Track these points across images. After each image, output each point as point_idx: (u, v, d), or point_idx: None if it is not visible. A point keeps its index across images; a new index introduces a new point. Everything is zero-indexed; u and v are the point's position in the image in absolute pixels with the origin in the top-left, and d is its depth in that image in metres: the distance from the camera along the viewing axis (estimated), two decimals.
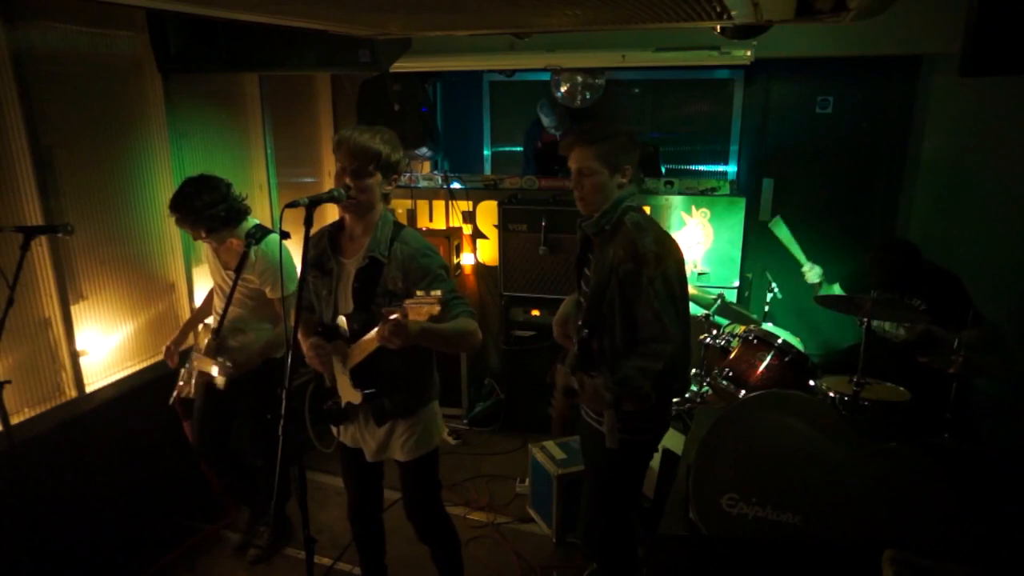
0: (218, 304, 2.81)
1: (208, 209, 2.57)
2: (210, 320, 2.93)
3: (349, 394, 2.17)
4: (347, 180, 2.05)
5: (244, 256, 2.66)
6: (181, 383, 2.87)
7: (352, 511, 2.48)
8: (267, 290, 2.75)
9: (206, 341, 2.79)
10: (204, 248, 2.86)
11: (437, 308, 1.77)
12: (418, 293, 1.82)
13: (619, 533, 2.40)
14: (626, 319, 2.10)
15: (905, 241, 3.30)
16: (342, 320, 2.10)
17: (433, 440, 2.31)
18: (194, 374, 2.81)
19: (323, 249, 2.20)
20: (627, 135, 2.18)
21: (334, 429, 2.33)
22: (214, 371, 2.64)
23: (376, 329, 1.91)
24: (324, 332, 2.19)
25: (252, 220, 2.77)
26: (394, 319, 1.82)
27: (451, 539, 2.51)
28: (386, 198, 2.17)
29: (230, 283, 2.72)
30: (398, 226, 2.17)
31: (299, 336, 2.21)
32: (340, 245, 2.20)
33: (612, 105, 5.08)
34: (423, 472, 2.33)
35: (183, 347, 2.93)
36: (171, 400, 2.90)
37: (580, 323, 2.21)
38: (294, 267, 2.79)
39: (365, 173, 2.05)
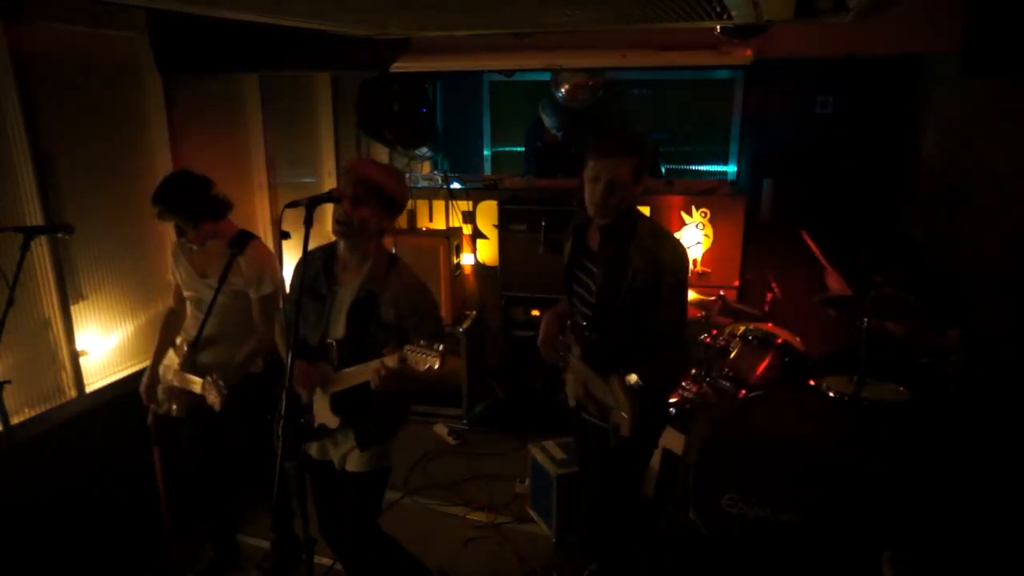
0: (191, 318, 2.71)
1: (194, 199, 2.54)
2: (178, 339, 2.79)
3: (325, 416, 2.17)
4: (345, 206, 2.03)
5: (229, 265, 2.59)
6: (162, 397, 2.74)
7: (323, 524, 2.41)
8: (251, 290, 2.65)
9: (181, 357, 2.67)
10: (174, 263, 2.73)
11: (437, 364, 1.77)
12: (421, 343, 1.82)
13: (621, 532, 2.40)
14: (636, 323, 2.12)
15: (906, 233, 3.32)
16: (332, 344, 2.12)
17: (388, 458, 2.30)
18: (175, 392, 2.67)
19: (316, 273, 2.20)
20: (650, 143, 2.20)
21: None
22: (199, 390, 2.50)
23: (372, 367, 1.93)
24: (308, 353, 2.18)
25: (234, 225, 2.70)
26: (391, 365, 1.85)
27: (392, 556, 2.42)
28: (383, 233, 2.18)
29: (208, 293, 2.62)
30: (392, 258, 2.20)
31: (281, 352, 2.28)
32: (334, 273, 2.21)
33: (612, 105, 5.08)
34: (370, 487, 2.30)
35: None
36: (149, 420, 2.77)
37: (585, 325, 2.20)
38: (276, 267, 2.72)
39: (365, 203, 2.05)
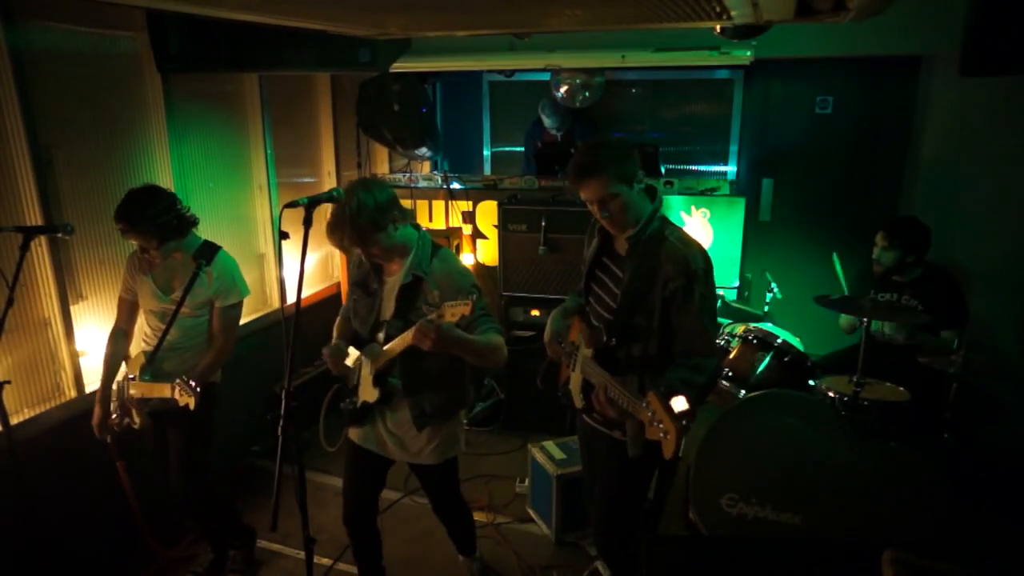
0: (149, 330, 2.68)
1: (160, 217, 2.48)
2: (133, 354, 2.74)
3: (367, 393, 2.28)
4: (364, 257, 2.23)
5: (194, 277, 2.55)
6: (114, 416, 2.65)
7: (348, 512, 2.51)
8: (217, 301, 2.63)
9: (139, 366, 2.61)
10: (129, 275, 2.69)
11: (468, 308, 1.93)
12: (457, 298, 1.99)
13: (632, 533, 2.40)
14: (664, 330, 2.10)
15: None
16: (382, 324, 2.24)
17: (460, 443, 2.45)
18: (134, 404, 2.62)
19: (367, 271, 2.34)
20: (621, 144, 2.15)
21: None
22: (169, 394, 2.45)
23: (411, 329, 2.05)
24: (359, 343, 2.33)
25: (198, 237, 2.68)
26: (428, 319, 1.97)
27: (468, 516, 2.75)
28: (404, 218, 2.24)
29: (171, 306, 2.59)
30: (435, 246, 2.31)
31: (335, 331, 2.46)
32: (382, 266, 2.32)
33: (612, 105, 5.08)
34: (449, 474, 2.50)
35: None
36: (108, 438, 2.69)
37: (603, 329, 2.17)
38: (242, 278, 2.73)
39: (374, 241, 2.15)
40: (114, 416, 2.67)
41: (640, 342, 2.14)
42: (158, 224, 2.49)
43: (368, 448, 2.40)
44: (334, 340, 2.43)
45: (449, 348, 2.06)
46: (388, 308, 2.26)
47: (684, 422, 1.80)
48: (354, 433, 2.42)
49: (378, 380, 2.25)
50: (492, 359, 2.24)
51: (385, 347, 2.21)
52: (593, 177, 2.06)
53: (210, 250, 2.63)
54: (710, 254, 2.15)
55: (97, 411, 2.65)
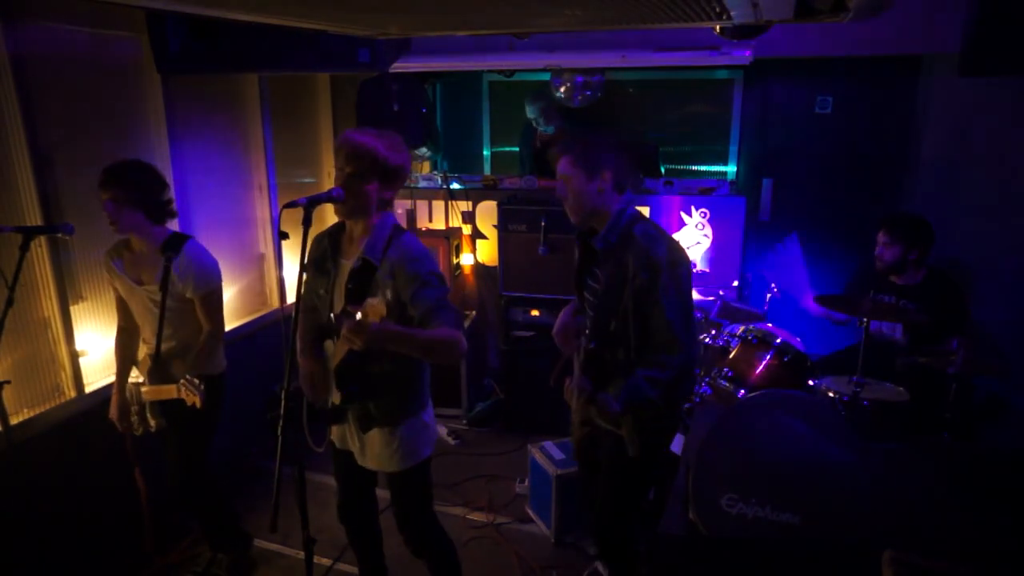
0: (145, 326, 2.63)
1: (148, 184, 2.44)
2: (141, 354, 2.73)
3: (334, 393, 2.18)
4: (342, 184, 2.02)
5: (166, 271, 2.49)
6: (135, 419, 2.66)
7: (341, 510, 2.48)
8: (188, 292, 2.55)
9: (147, 369, 2.59)
10: (109, 276, 2.63)
11: (383, 310, 1.74)
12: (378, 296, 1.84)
13: (631, 532, 2.41)
14: (641, 329, 2.11)
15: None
16: (332, 319, 2.11)
17: (421, 452, 2.30)
18: (148, 408, 2.61)
19: (324, 250, 2.22)
20: (606, 141, 2.17)
21: (330, 429, 2.35)
22: (179, 394, 2.45)
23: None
24: (322, 331, 2.21)
25: (167, 229, 2.60)
26: (354, 319, 1.77)
27: (445, 554, 2.47)
28: (387, 203, 2.14)
29: (148, 299, 2.54)
30: (398, 230, 2.13)
31: (297, 343, 2.23)
32: (340, 246, 2.19)
33: (612, 105, 5.08)
34: (410, 485, 2.32)
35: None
36: (127, 436, 2.70)
37: (587, 335, 2.19)
38: (213, 263, 2.63)
39: (361, 179, 2.02)
40: (135, 418, 2.66)
41: (622, 345, 2.15)
42: (142, 192, 2.42)
43: (344, 448, 2.33)
44: (299, 348, 2.22)
45: (386, 345, 1.88)
46: (340, 297, 2.11)
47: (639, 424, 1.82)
48: (334, 434, 2.34)
49: (340, 382, 2.09)
50: (444, 354, 2.01)
51: (335, 346, 2.07)
52: (560, 154, 2.18)
53: (177, 241, 2.56)
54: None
55: (113, 405, 2.65)
